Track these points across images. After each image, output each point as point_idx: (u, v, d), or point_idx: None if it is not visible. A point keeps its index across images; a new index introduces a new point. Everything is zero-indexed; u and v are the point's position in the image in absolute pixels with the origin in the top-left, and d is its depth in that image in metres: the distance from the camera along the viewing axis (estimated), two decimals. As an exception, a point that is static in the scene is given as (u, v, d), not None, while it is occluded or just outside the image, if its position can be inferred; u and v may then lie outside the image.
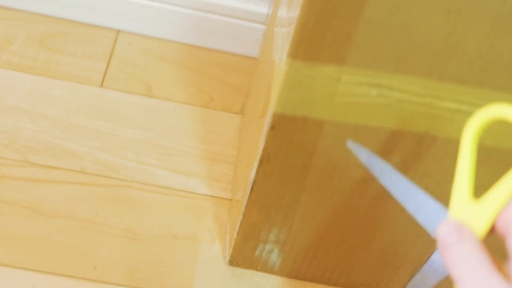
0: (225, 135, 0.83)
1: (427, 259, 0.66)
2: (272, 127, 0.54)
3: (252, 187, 0.59)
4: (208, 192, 0.77)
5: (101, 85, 0.85)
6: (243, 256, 0.69)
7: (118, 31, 0.91)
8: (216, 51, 0.92)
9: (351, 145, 0.47)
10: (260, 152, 0.56)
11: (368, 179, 0.56)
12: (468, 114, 0.35)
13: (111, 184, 0.75)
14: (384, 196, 0.56)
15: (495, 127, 0.33)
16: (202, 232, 0.73)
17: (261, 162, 0.57)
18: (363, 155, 0.44)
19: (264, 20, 0.86)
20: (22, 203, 0.71)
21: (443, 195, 0.35)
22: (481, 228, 0.31)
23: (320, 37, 0.46)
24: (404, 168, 0.55)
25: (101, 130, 0.80)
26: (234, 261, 0.70)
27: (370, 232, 0.65)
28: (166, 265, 0.69)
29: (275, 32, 0.60)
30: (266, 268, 0.70)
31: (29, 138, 0.77)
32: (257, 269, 0.71)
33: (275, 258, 0.69)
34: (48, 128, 0.78)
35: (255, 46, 0.89)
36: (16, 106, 0.80)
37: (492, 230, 0.31)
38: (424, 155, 0.54)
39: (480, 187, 0.33)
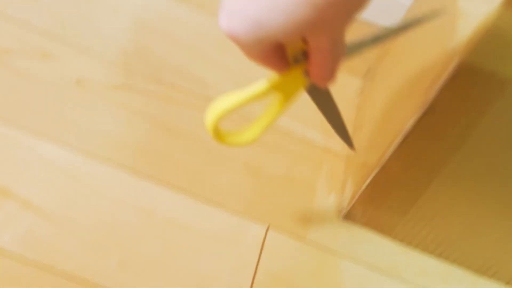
0: (345, 96, 0.82)
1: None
2: (453, 77, 0.52)
3: (404, 138, 0.58)
4: (325, 145, 0.76)
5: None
6: (361, 213, 0.68)
7: None
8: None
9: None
10: (429, 103, 0.55)
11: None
12: None
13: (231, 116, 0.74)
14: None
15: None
16: (318, 181, 0.72)
17: (424, 114, 0.56)
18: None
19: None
20: (150, 116, 0.70)
21: None
22: None
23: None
24: None
25: (229, 65, 0.79)
26: (350, 216, 0.69)
27: (499, 217, 0.63)
28: (283, 205, 0.68)
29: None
30: (381, 229, 0.69)
31: (161, 56, 0.76)
32: (371, 228, 0.70)
33: (393, 221, 0.67)
34: (180, 51, 0.77)
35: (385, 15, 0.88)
36: (148, 25, 0.79)
37: None
38: None
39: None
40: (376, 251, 0.67)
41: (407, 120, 0.59)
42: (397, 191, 0.63)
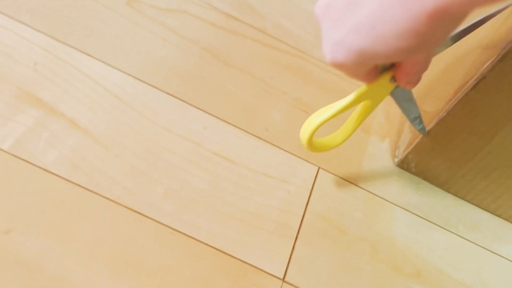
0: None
1: None
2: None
3: (476, 84, 0.54)
4: (381, 88, 0.72)
5: (290, -49, 0.79)
6: (416, 161, 0.64)
7: None
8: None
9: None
10: (509, 47, 0.50)
11: None
12: None
13: (288, 51, 0.70)
14: None
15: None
16: (372, 125, 0.68)
17: (504, 57, 0.51)
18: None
19: None
20: (202, 44, 0.67)
21: None
22: None
23: None
24: None
25: (284, -4, 0.74)
26: (404, 164, 0.65)
27: None
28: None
29: None
30: (436, 179, 0.66)
31: (214, -18, 0.72)
32: (425, 178, 0.66)
33: (450, 172, 0.64)
34: (233, -21, 0.73)
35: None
36: None
37: None
38: None
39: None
40: (429, 201, 0.64)
41: (479, 65, 0.55)
42: (459, 141, 0.60)
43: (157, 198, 0.54)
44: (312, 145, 0.54)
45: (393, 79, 0.47)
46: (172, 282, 0.50)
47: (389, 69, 0.47)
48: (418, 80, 0.46)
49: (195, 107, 0.61)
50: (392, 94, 0.52)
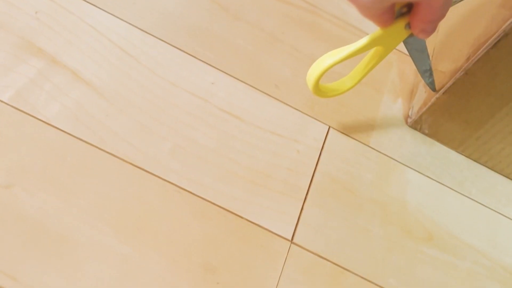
0: None
1: None
2: None
3: (498, 41, 0.51)
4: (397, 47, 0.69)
5: None
6: (431, 122, 0.62)
7: None
8: None
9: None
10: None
11: None
12: None
13: (300, 6, 0.67)
14: None
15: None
16: (386, 84, 0.66)
17: (527, 14, 0.49)
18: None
19: None
20: (210, -4, 0.64)
21: None
22: None
23: None
24: None
25: None
26: (418, 125, 0.63)
27: None
28: (348, 106, 0.62)
29: None
30: (450, 141, 0.64)
31: None
32: (438, 139, 0.64)
33: (465, 134, 0.62)
34: None
35: None
36: None
37: None
38: None
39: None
40: (442, 164, 0.62)
41: (500, 22, 0.52)
42: (476, 101, 0.57)
43: (163, 156, 0.52)
44: (318, 89, 0.51)
45: (408, 26, 0.46)
46: (177, 241, 0.49)
47: (405, 15, 0.45)
48: (433, 29, 0.45)
49: (203, 61, 0.59)
50: (406, 42, 0.51)
